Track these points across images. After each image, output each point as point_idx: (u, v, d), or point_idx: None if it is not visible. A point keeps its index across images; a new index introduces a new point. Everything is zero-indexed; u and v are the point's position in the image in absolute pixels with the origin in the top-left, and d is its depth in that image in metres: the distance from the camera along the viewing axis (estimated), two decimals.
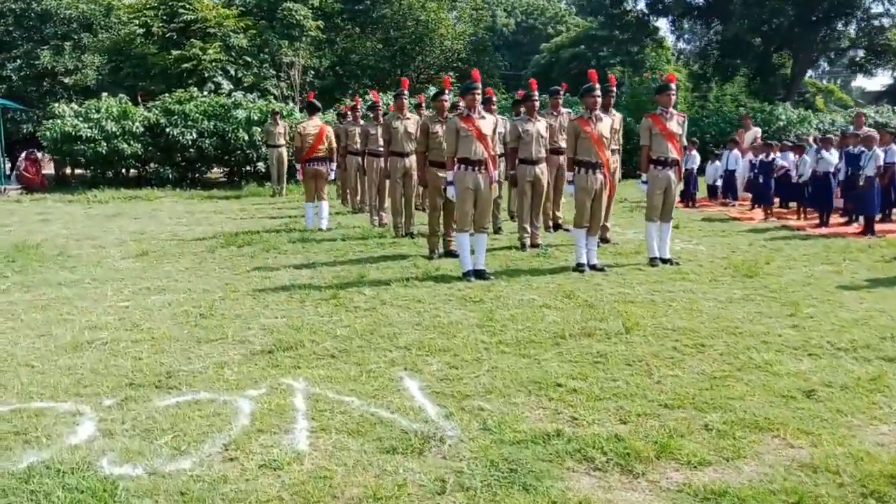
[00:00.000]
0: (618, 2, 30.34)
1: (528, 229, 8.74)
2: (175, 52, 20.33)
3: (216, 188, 18.02)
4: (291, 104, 19.94)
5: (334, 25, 25.10)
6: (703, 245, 9.08)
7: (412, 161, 9.60)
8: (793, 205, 12.10)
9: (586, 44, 40.77)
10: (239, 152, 17.95)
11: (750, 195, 12.63)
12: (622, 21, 31.36)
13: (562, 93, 10.04)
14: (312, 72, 22.88)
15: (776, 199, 12.75)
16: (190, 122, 17.59)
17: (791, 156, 11.87)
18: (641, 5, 30.10)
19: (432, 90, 19.22)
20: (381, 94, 17.67)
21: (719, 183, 14.00)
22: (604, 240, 9.09)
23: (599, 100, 7.38)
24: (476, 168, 7.04)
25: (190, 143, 17.51)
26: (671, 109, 7.62)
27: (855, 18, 25.40)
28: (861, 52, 28.54)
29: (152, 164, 18.71)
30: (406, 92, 9.68)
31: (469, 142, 7.01)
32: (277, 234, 10.14)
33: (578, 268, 7.43)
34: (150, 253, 8.79)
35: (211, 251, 8.91)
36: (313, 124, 10.62)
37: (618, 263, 7.84)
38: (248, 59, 21.59)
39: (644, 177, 7.70)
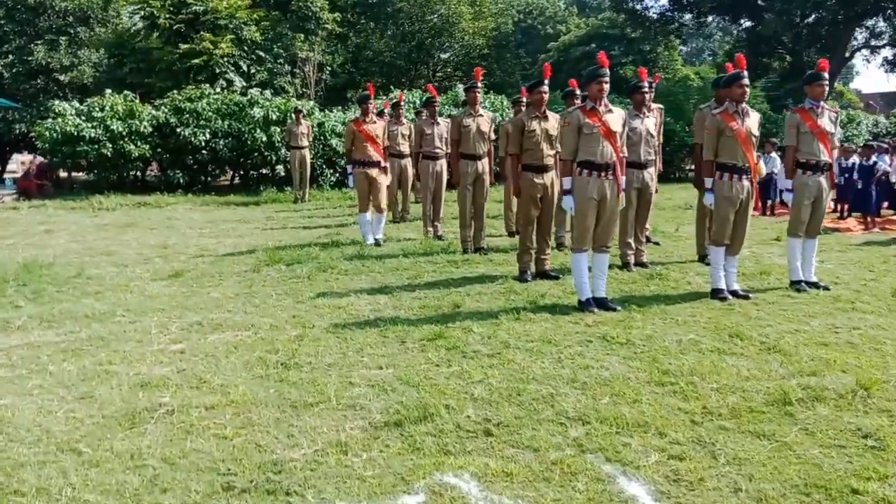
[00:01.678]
0: None
1: (633, 245, 7.44)
2: (183, 47, 18.85)
3: (232, 193, 16.60)
4: (308, 102, 18.52)
5: (347, 20, 23.70)
6: (830, 263, 7.80)
7: (485, 165, 8.31)
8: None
9: (597, 42, 39.68)
10: (256, 154, 16.52)
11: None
12: (642, 17, 30.11)
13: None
14: (329, 69, 21.50)
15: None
16: (203, 122, 16.17)
17: (886, 158, 10.65)
18: (664, 0, 28.87)
19: (460, 87, 17.94)
20: (400, 92, 16.43)
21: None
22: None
23: (747, 90, 6.06)
24: (602, 173, 5.74)
25: (203, 144, 16.09)
26: (822, 103, 6.34)
27: (891, 14, 24.27)
28: (889, 52, 27.48)
29: (158, 167, 17.28)
30: (479, 85, 8.35)
31: (594, 141, 5.70)
32: (324, 248, 8.79)
33: (717, 294, 6.14)
34: (185, 273, 7.43)
35: (255, 270, 7.56)
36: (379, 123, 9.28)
37: (751, 287, 6.55)
38: (261, 53, 20.16)
39: (789, 184, 6.42)
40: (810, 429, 3.50)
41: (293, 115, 15.28)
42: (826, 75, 6.29)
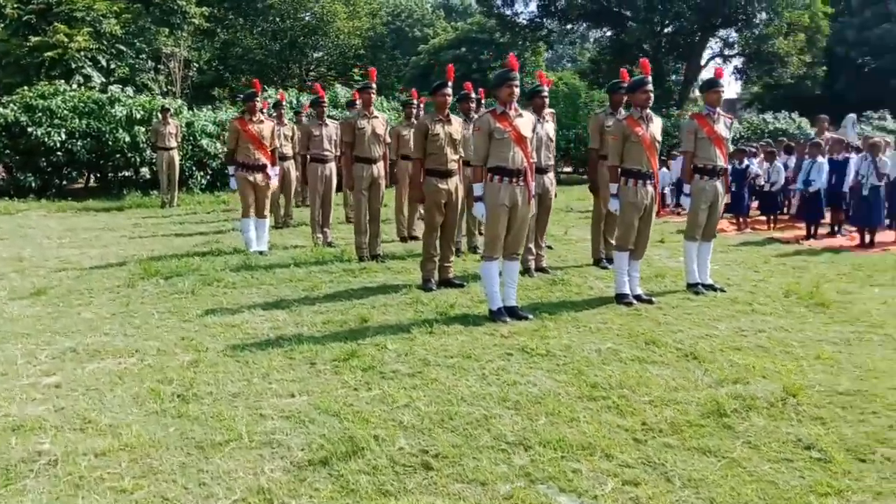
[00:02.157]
0: (510, 3, 29.55)
1: (534, 251, 7.33)
2: (34, 39, 17.20)
3: (90, 198, 15.29)
4: (176, 100, 17.41)
5: (214, 15, 22.56)
6: (715, 264, 8.01)
7: (380, 168, 7.98)
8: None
9: (467, 46, 40.13)
10: (118, 156, 15.31)
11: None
12: (511, 23, 30.62)
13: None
14: (196, 66, 20.32)
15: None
16: (57, 121, 14.80)
17: (755, 161, 11.22)
18: (532, 7, 29.47)
19: (339, 87, 17.47)
20: (281, 91, 15.78)
21: (668, 191, 13.25)
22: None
23: (651, 95, 6.07)
24: (514, 179, 5.56)
25: (58, 145, 14.72)
26: (718, 109, 6.47)
27: (741, 26, 25.91)
28: (738, 61, 29.37)
29: (3, 170, 15.67)
30: (374, 85, 8.00)
31: (505, 146, 5.51)
32: (204, 258, 8.16)
33: (622, 299, 6.12)
34: (48, 291, 6.62)
35: (130, 285, 6.86)
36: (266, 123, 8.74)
37: (649, 290, 6.60)
38: (122, 48, 18.75)
39: (686, 188, 6.52)
40: (752, 442, 3.44)
41: (160, 114, 14.24)
42: (722, 82, 6.41)
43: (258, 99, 8.64)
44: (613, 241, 7.90)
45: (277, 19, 23.49)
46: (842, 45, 30.03)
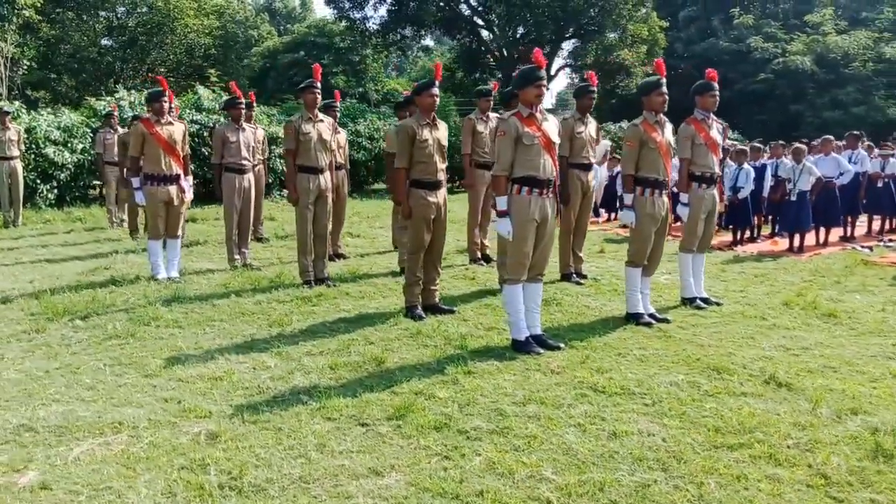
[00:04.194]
0: (359, 6, 28.71)
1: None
2: None
3: None
4: (13, 102, 14.98)
5: (36, 7, 19.83)
6: (667, 273, 7.70)
7: (327, 178, 7.00)
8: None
9: (305, 50, 38.77)
10: None
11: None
12: (362, 29, 29.81)
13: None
14: (26, 64, 17.66)
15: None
16: None
17: None
18: (383, 12, 28.82)
19: (201, 89, 15.85)
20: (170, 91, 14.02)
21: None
22: (580, 274, 7.41)
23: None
24: (544, 191, 4.88)
25: None
26: (711, 114, 6.17)
27: (590, 37, 26.82)
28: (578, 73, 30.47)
29: None
30: (318, 84, 6.99)
31: (535, 153, 4.83)
32: (107, 289, 6.76)
33: (638, 319, 5.63)
34: None
35: (39, 329, 5.42)
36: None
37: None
38: None
39: (684, 197, 6.14)
40: None
41: None
42: (716, 85, 6.11)
43: (165, 98, 7.33)
44: (582, 255, 7.52)
45: (113, 16, 21.11)
46: (673, 58, 32.02)
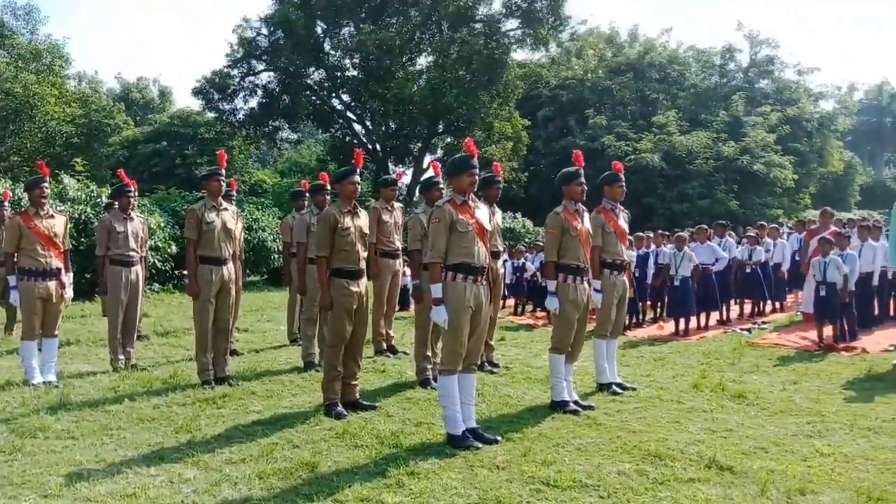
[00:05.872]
0: (229, 98, 28.36)
1: (431, 359, 6.52)
2: None
3: None
4: None
5: None
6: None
7: (231, 270, 6.62)
8: None
9: (168, 140, 37.76)
10: None
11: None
12: (231, 120, 29.38)
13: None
14: None
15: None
16: None
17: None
18: (253, 104, 28.55)
19: (66, 178, 14.87)
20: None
21: None
22: (491, 362, 7.33)
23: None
24: (478, 278, 4.81)
25: None
26: (618, 204, 6.40)
27: (462, 134, 27.80)
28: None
29: None
30: (223, 171, 6.67)
31: (469, 240, 4.77)
32: None
33: (563, 407, 5.58)
34: None
35: None
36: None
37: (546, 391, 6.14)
38: None
39: (597, 284, 6.25)
40: None
41: None
42: (622, 176, 6.38)
43: (46, 184, 6.77)
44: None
45: None
46: (534, 154, 33.68)
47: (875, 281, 9.51)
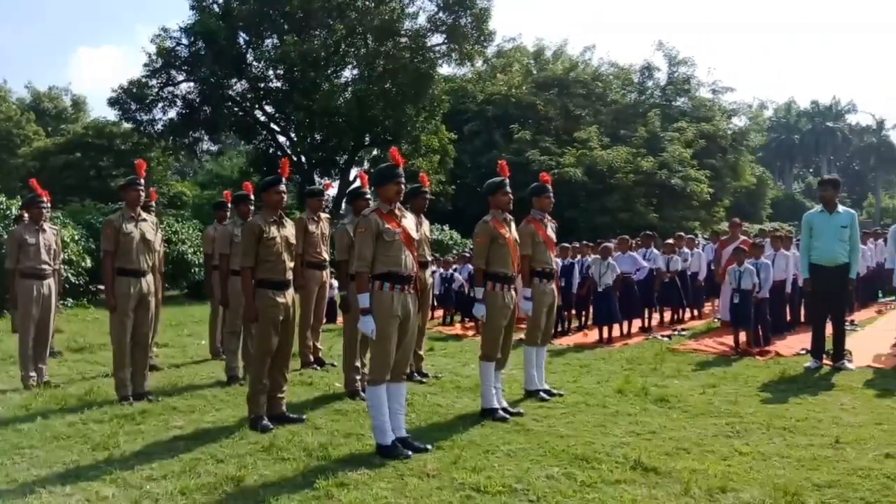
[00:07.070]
0: (147, 109, 27.53)
1: (360, 370, 6.46)
2: None
3: None
4: None
5: None
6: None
7: (150, 282, 6.42)
8: None
9: (82, 151, 36.50)
10: None
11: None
12: (149, 132, 28.52)
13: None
14: None
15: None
16: None
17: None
18: (172, 114, 27.79)
19: None
20: None
21: None
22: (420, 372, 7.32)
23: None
24: (406, 287, 4.80)
25: None
26: (546, 214, 6.51)
27: (388, 146, 27.79)
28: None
29: None
30: (142, 181, 6.45)
31: (396, 249, 4.75)
32: None
33: (492, 415, 5.62)
34: None
35: None
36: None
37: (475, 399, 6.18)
38: None
39: (527, 292, 6.32)
40: None
41: None
42: (550, 188, 6.48)
43: None
44: (422, 353, 7.45)
45: None
46: (460, 168, 33.94)
47: (788, 288, 9.94)
